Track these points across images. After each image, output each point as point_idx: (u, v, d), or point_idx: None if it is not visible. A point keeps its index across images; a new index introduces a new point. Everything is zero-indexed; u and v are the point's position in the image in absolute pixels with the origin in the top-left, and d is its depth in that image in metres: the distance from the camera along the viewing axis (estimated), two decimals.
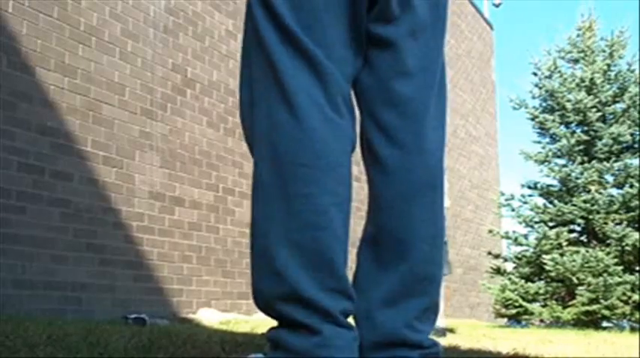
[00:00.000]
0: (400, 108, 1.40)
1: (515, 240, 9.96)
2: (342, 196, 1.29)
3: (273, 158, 1.28)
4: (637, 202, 9.07)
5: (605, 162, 9.45)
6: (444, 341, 4.39)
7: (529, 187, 10.34)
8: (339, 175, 1.29)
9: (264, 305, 1.30)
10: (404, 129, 1.40)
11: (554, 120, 10.08)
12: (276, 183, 1.27)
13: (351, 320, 1.35)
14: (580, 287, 8.89)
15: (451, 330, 5.63)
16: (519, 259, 9.79)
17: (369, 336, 1.39)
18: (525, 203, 10.08)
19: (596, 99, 9.77)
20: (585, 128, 9.94)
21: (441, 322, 5.23)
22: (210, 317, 5.38)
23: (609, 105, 9.96)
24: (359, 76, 1.42)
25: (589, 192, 9.43)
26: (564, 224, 9.52)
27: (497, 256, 10.37)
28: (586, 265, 8.67)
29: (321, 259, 1.25)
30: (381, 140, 1.40)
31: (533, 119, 10.34)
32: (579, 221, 9.51)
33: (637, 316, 8.75)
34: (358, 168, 7.02)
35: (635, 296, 8.59)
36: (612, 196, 9.26)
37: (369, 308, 1.40)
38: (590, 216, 9.27)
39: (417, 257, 1.38)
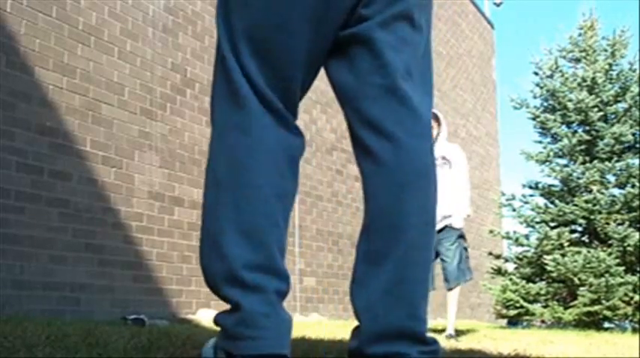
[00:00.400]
0: (382, 100, 1.43)
1: (516, 240, 9.94)
2: (282, 189, 1.43)
3: (228, 153, 1.43)
4: (639, 202, 9.04)
5: (606, 162, 9.42)
6: (447, 343, 4.38)
7: (530, 187, 10.32)
8: (280, 172, 1.43)
9: (212, 286, 1.42)
10: (389, 120, 1.43)
11: (555, 120, 10.06)
12: (228, 172, 1.42)
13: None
14: (581, 288, 8.86)
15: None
16: (520, 259, 9.77)
17: (370, 328, 1.41)
18: (526, 203, 10.05)
19: (598, 99, 9.75)
20: (587, 128, 9.91)
21: (451, 328, 5.15)
22: (209, 317, 5.35)
23: (611, 105, 9.93)
24: (339, 77, 1.48)
25: (590, 192, 9.41)
26: (565, 224, 9.50)
27: (498, 257, 10.34)
28: (587, 265, 8.64)
29: (259, 242, 1.38)
30: (369, 134, 1.44)
31: (534, 119, 10.31)
32: (581, 221, 9.48)
33: (638, 317, 8.73)
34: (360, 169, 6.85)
35: (637, 297, 8.57)
36: (614, 196, 9.23)
37: (369, 299, 1.42)
38: (592, 217, 9.25)
39: (409, 243, 1.41)
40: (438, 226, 5.12)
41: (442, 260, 5.16)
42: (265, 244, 1.38)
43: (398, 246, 1.41)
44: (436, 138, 5.13)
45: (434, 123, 5.09)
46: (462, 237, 5.20)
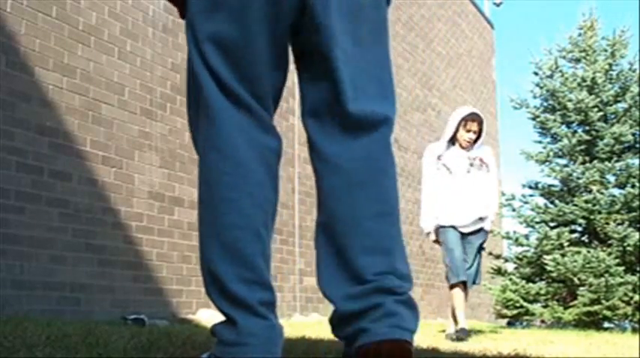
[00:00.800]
0: (335, 109, 1.50)
1: (516, 240, 9.93)
2: (260, 198, 1.48)
3: (204, 172, 1.51)
4: (638, 202, 9.04)
5: (606, 162, 9.42)
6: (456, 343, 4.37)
7: (530, 187, 10.32)
8: (255, 180, 1.47)
9: (209, 296, 1.49)
10: (343, 125, 1.50)
11: (555, 120, 10.06)
12: (206, 190, 1.49)
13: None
14: (581, 288, 8.86)
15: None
16: (520, 259, 9.76)
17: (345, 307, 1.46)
18: (526, 203, 10.05)
19: (598, 99, 9.75)
20: (586, 128, 9.91)
21: (464, 323, 5.07)
22: (209, 317, 5.35)
23: (611, 105, 9.93)
24: (302, 89, 1.58)
25: (590, 192, 9.40)
26: (565, 224, 9.50)
27: (498, 257, 10.34)
28: (587, 265, 8.64)
29: (240, 255, 1.44)
30: (323, 139, 1.52)
31: (534, 119, 10.31)
32: (580, 221, 9.48)
33: (638, 317, 8.73)
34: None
35: (637, 297, 8.57)
36: (614, 196, 9.23)
37: (336, 294, 1.48)
38: (592, 216, 9.25)
39: (366, 234, 1.47)
40: (474, 227, 5.08)
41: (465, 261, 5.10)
42: (247, 257, 1.44)
43: (356, 239, 1.46)
44: (475, 140, 5.11)
45: (477, 127, 5.07)
46: (485, 240, 5.25)
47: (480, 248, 5.19)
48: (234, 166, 1.47)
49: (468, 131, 5.05)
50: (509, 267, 10.35)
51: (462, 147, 5.12)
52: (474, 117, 5.07)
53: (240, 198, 1.46)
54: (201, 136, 1.53)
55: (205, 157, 1.51)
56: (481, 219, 5.11)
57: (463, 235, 5.09)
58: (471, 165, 5.10)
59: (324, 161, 1.52)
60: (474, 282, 5.17)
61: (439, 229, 5.08)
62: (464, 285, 5.03)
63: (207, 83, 1.51)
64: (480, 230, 5.13)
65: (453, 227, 5.05)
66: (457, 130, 5.07)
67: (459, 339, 4.70)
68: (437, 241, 5.24)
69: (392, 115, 1.56)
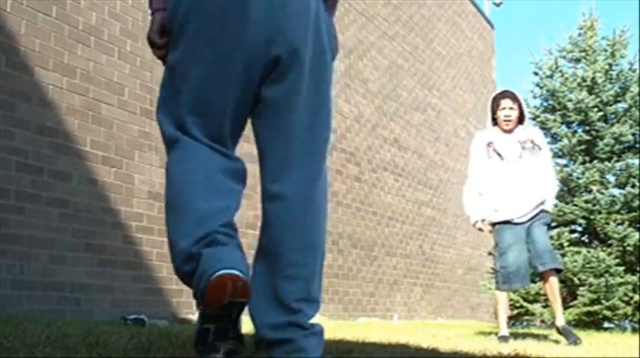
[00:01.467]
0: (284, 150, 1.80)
1: None
2: (221, 205, 1.71)
3: (171, 181, 1.75)
4: (638, 202, 9.04)
5: (606, 162, 9.42)
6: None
7: None
8: (215, 189, 1.71)
9: (177, 272, 1.83)
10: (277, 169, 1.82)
11: (555, 120, 10.06)
12: (173, 196, 1.74)
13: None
14: (581, 288, 8.86)
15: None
16: None
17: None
18: None
19: (598, 99, 9.74)
20: (587, 128, 9.91)
21: (560, 318, 4.88)
22: None
23: (611, 105, 9.93)
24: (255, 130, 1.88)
25: (590, 192, 9.40)
26: (565, 224, 9.50)
27: None
28: (587, 265, 8.64)
29: (200, 227, 1.67)
30: (268, 175, 1.82)
31: (534, 119, 10.31)
32: (581, 221, 9.48)
33: (638, 317, 8.72)
34: (359, 169, 7.03)
35: (637, 297, 8.57)
36: (614, 196, 9.23)
37: (261, 322, 1.75)
38: (592, 217, 9.24)
39: (291, 264, 1.74)
40: (534, 212, 4.82)
41: (533, 241, 4.79)
42: (204, 225, 1.66)
43: (282, 267, 1.74)
44: (517, 120, 4.94)
45: (510, 103, 4.91)
46: (550, 223, 5.09)
47: (548, 229, 4.93)
48: (196, 175, 1.71)
49: (503, 109, 4.89)
50: None
51: (505, 130, 4.91)
52: (503, 94, 4.94)
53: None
54: (168, 157, 1.77)
55: (170, 173, 1.76)
56: (542, 202, 4.82)
57: (523, 223, 4.81)
58: (523, 148, 4.89)
59: (265, 195, 1.80)
60: (553, 260, 4.80)
61: (493, 226, 4.88)
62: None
63: (170, 128, 1.77)
64: (541, 212, 4.82)
65: (508, 222, 4.79)
66: (494, 113, 4.94)
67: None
68: (481, 229, 5.05)
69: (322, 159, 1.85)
